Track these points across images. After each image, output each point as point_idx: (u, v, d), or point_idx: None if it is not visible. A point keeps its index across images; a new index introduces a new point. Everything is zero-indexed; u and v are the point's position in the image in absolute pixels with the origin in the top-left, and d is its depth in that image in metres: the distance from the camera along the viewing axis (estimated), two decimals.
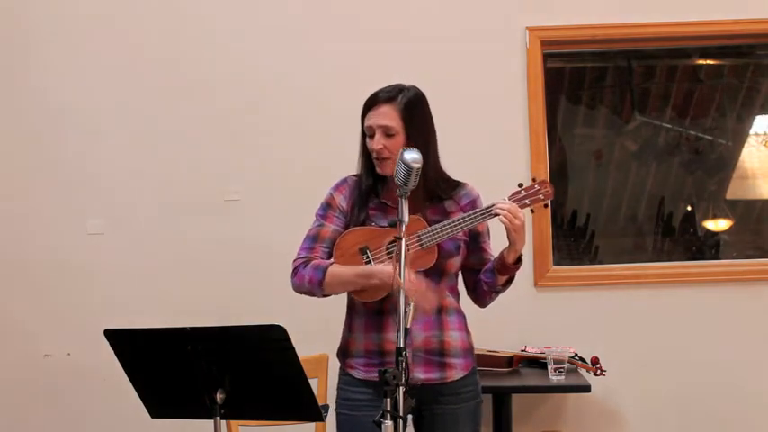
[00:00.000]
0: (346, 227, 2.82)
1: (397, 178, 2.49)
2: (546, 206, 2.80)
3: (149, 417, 2.68)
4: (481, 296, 2.90)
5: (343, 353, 2.85)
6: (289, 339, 2.40)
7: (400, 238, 2.46)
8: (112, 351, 2.59)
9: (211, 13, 4.34)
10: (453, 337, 2.82)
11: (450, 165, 4.03)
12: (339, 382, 2.85)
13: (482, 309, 2.95)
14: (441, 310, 2.79)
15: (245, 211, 4.28)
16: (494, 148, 4.24)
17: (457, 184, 2.88)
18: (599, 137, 4.72)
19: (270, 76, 4.30)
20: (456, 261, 2.83)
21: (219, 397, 2.50)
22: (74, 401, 4.28)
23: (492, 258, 2.86)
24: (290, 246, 4.10)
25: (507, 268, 2.78)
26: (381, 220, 2.79)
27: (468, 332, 2.89)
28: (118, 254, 4.30)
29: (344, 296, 2.84)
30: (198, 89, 4.31)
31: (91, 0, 4.35)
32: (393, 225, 2.53)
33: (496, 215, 2.69)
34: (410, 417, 2.74)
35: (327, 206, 2.87)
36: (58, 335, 4.29)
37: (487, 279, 2.83)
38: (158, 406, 2.65)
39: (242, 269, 4.24)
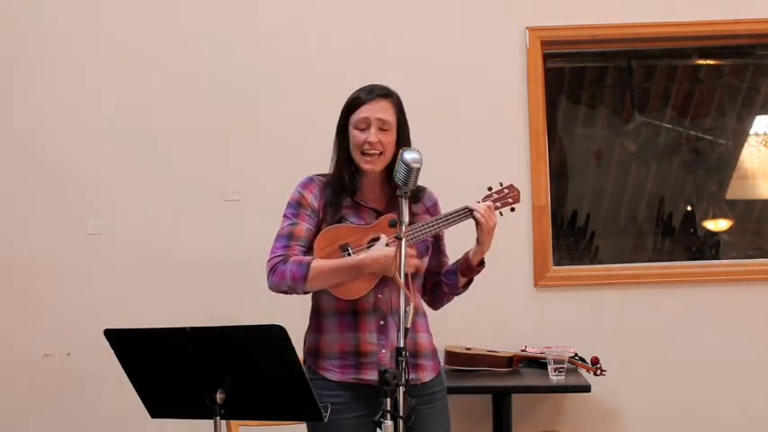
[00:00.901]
0: (318, 226, 2.81)
1: (397, 178, 2.50)
2: (512, 210, 2.84)
3: (149, 417, 2.68)
4: (439, 298, 2.94)
5: (314, 355, 2.81)
6: (289, 339, 2.40)
7: (401, 238, 2.46)
8: (112, 351, 2.59)
9: (211, 13, 4.34)
10: (423, 339, 2.84)
11: (450, 165, 4.07)
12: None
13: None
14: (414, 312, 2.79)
15: (245, 211, 4.28)
16: (494, 148, 4.24)
17: (421, 187, 2.90)
18: (599, 137, 4.72)
19: (270, 76, 4.30)
20: (425, 262, 2.86)
21: (219, 397, 2.49)
22: (74, 401, 4.28)
23: (449, 262, 2.92)
24: None
25: (471, 270, 2.82)
26: (355, 218, 2.80)
27: (431, 333, 2.91)
28: (118, 254, 4.30)
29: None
30: (198, 89, 4.31)
31: (90, 0, 4.36)
32: (393, 225, 2.53)
33: (474, 216, 2.74)
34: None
35: (298, 205, 2.84)
36: (58, 335, 4.29)
37: (449, 281, 2.87)
38: (158, 406, 2.65)
39: (242, 269, 4.23)
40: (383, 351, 2.74)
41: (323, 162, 4.21)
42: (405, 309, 2.40)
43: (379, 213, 2.82)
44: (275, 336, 2.40)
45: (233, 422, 3.48)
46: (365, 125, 2.77)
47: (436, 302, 2.97)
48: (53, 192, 4.32)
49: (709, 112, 4.67)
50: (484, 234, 2.76)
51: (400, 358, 2.35)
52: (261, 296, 4.13)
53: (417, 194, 2.87)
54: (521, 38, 4.29)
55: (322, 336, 2.80)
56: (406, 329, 2.39)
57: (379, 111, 2.77)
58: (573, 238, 4.61)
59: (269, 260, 2.78)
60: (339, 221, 2.79)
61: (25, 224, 4.32)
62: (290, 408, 2.56)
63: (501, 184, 2.87)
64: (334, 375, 2.76)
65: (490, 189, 2.86)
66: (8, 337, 4.29)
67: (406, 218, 2.50)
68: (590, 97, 4.69)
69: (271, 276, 2.76)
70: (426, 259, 2.86)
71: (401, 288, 2.41)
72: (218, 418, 2.51)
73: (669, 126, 4.67)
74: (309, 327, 2.87)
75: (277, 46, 4.31)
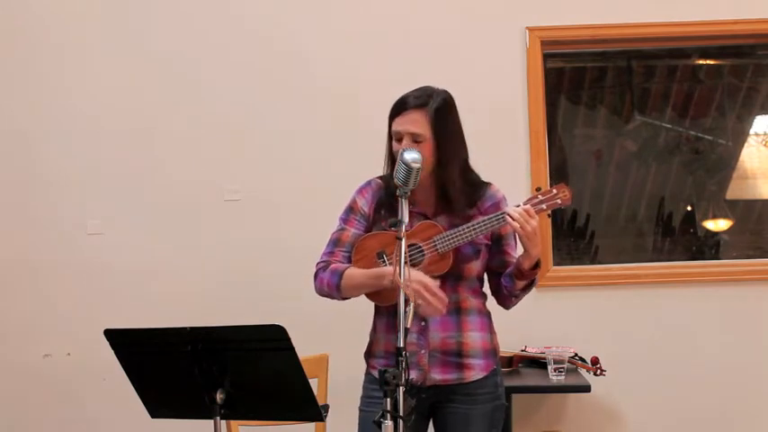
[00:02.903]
0: (368, 230, 2.84)
1: (396, 178, 2.50)
2: (563, 209, 2.80)
3: (149, 417, 2.68)
4: (503, 299, 2.92)
5: (368, 353, 2.91)
6: (289, 339, 2.40)
7: (401, 239, 2.46)
8: (112, 351, 2.59)
9: (211, 12, 4.33)
10: (473, 338, 2.82)
11: None
12: (364, 381, 2.89)
13: (506, 311, 2.96)
14: (460, 311, 2.80)
15: (245, 211, 4.28)
16: (494, 148, 4.24)
17: (481, 186, 2.87)
18: (599, 137, 4.72)
19: (270, 75, 4.30)
20: (474, 265, 2.82)
21: (219, 397, 2.49)
22: (74, 401, 4.27)
23: (513, 261, 2.86)
24: (289, 245, 4.15)
25: (524, 274, 2.77)
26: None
27: (491, 333, 2.89)
28: (118, 254, 4.29)
29: (354, 301, 2.87)
30: (198, 89, 4.31)
31: (91, 1, 4.35)
32: (393, 225, 2.53)
33: (506, 217, 2.69)
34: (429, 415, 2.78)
35: (350, 210, 2.89)
36: (58, 335, 4.29)
37: (506, 284, 2.84)
38: (158, 406, 2.65)
39: (242, 269, 4.24)
40: (422, 351, 2.76)
41: (323, 162, 4.24)
42: (404, 309, 2.40)
43: (427, 218, 2.81)
44: (275, 336, 2.40)
45: (233, 422, 3.48)
46: (399, 137, 2.77)
47: (503, 303, 2.93)
48: (53, 192, 4.32)
49: (709, 112, 4.67)
50: (522, 239, 2.70)
51: (400, 358, 2.35)
52: (261, 296, 4.16)
53: (475, 195, 2.83)
54: (521, 38, 4.29)
55: (375, 335, 2.89)
56: (406, 329, 2.39)
57: (410, 124, 2.74)
58: (573, 238, 4.61)
59: (315, 264, 2.86)
60: (383, 227, 2.80)
61: (25, 224, 4.32)
62: (290, 408, 2.56)
63: (551, 186, 2.84)
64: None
65: (538, 190, 2.81)
66: (8, 337, 4.29)
67: (406, 218, 2.49)
68: (590, 97, 4.69)
69: (314, 282, 2.86)
70: (478, 263, 2.82)
71: (401, 288, 2.41)
72: (218, 418, 2.51)
73: (669, 126, 4.66)
74: (372, 326, 2.93)
75: (277, 46, 4.31)
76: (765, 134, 4.68)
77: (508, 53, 4.28)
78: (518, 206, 2.72)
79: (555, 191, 2.79)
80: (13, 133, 4.34)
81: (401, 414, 2.31)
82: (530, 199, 2.77)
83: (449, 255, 2.73)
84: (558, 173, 4.51)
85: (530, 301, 4.20)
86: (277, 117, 4.29)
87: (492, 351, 2.87)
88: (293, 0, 4.34)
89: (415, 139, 2.73)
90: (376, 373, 2.75)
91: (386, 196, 2.84)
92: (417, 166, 2.48)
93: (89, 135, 4.33)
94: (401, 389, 2.32)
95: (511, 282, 2.81)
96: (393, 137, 2.79)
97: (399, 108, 2.78)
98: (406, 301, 2.42)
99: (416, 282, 2.58)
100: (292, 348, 2.42)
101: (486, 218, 2.73)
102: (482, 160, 4.15)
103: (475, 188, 2.85)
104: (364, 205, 2.87)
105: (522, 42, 4.29)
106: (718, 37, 4.36)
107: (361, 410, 2.86)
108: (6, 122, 4.34)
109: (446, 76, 4.25)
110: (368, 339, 2.94)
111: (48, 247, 4.31)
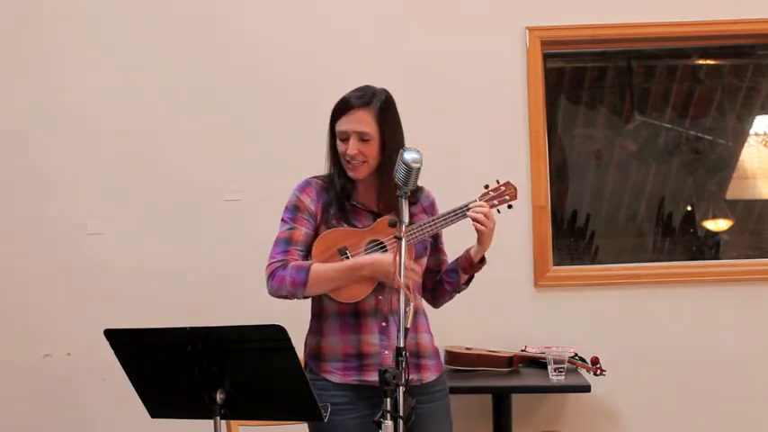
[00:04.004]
0: (316, 229, 2.81)
1: (397, 178, 2.49)
2: (510, 207, 2.84)
3: (149, 417, 2.68)
4: (440, 296, 2.95)
5: (315, 357, 2.81)
6: (289, 339, 2.40)
7: (400, 238, 2.46)
8: (112, 351, 2.59)
9: (211, 13, 4.34)
10: (425, 339, 2.85)
11: (450, 165, 4.07)
12: (318, 388, 2.72)
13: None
14: (415, 313, 2.79)
15: (245, 211, 4.28)
16: (494, 148, 4.24)
17: (419, 187, 2.89)
18: (599, 137, 4.72)
19: (270, 75, 4.30)
20: (424, 262, 2.86)
21: (219, 397, 2.49)
22: (74, 401, 4.28)
23: (447, 260, 2.94)
24: None
25: (473, 267, 2.83)
26: (352, 221, 2.80)
27: (432, 334, 2.91)
28: (118, 254, 4.30)
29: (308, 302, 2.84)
30: (198, 89, 4.31)
31: (90, 1, 4.36)
32: (393, 225, 2.53)
33: (471, 217, 2.74)
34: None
35: (296, 209, 2.83)
36: (58, 335, 4.29)
37: (450, 279, 2.88)
38: (158, 406, 2.65)
39: (242, 269, 4.23)
40: (386, 352, 2.74)
41: (323, 162, 4.23)
42: (405, 309, 2.40)
43: (376, 215, 2.82)
44: (275, 336, 2.40)
45: (233, 422, 3.48)
46: (345, 137, 2.78)
47: (437, 301, 2.98)
48: (53, 192, 4.32)
49: (709, 112, 4.67)
50: (483, 233, 2.76)
51: (400, 358, 2.35)
52: (261, 296, 4.15)
53: (415, 194, 2.87)
54: (521, 38, 4.29)
55: (324, 338, 2.80)
56: (406, 330, 2.39)
57: (356, 123, 2.76)
58: (573, 238, 4.61)
59: (268, 265, 2.77)
60: (337, 225, 2.79)
61: (25, 224, 4.32)
62: (290, 408, 2.55)
63: (498, 182, 2.86)
64: (336, 377, 2.76)
65: (487, 187, 2.85)
66: (8, 337, 4.29)
67: (407, 218, 2.50)
68: (590, 97, 4.69)
69: (270, 281, 2.75)
70: (425, 259, 2.86)
71: (401, 289, 2.41)
72: (218, 418, 2.51)
73: (669, 126, 4.66)
74: (310, 329, 2.87)
75: (277, 45, 4.31)
76: (765, 134, 4.68)
77: (508, 53, 4.29)
78: (474, 201, 2.78)
79: (503, 188, 2.85)
80: (13, 133, 4.34)
81: (401, 414, 2.31)
82: (483, 195, 2.83)
83: (411, 249, 2.73)
84: (558, 173, 4.51)
85: (530, 301, 4.26)
86: (278, 117, 4.29)
87: (437, 351, 2.91)
88: (295, 1, 4.34)
89: (362, 138, 2.74)
90: (333, 378, 2.74)
91: (329, 198, 2.82)
92: (418, 165, 2.48)
93: (89, 135, 4.33)
94: (401, 389, 2.32)
95: (456, 276, 2.86)
96: (338, 136, 2.80)
97: (343, 108, 2.79)
98: (406, 302, 2.41)
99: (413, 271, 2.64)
100: (292, 348, 2.42)
101: (448, 212, 2.76)
102: (482, 160, 4.19)
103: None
104: (311, 204, 2.83)
105: (522, 42, 4.29)
106: (718, 37, 4.36)
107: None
108: (6, 122, 4.34)
109: (446, 76, 4.29)
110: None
111: (48, 247, 4.31)
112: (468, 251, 2.83)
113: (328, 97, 4.26)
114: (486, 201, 2.80)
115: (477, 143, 4.25)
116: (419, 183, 2.81)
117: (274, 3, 4.34)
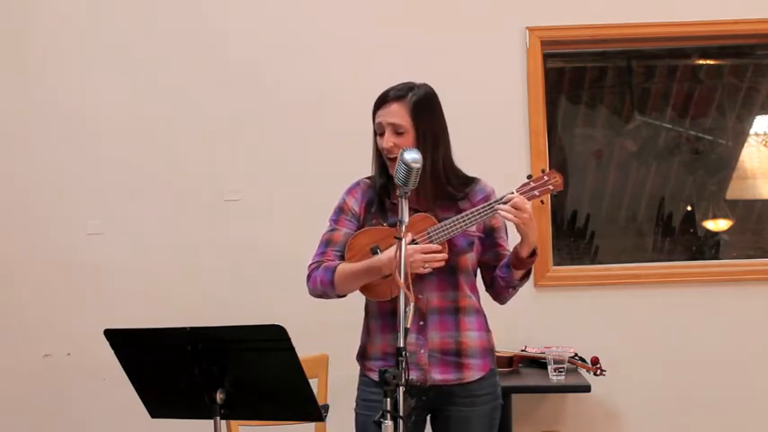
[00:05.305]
0: (360, 229, 2.83)
1: (397, 178, 2.49)
2: (555, 196, 2.78)
3: (149, 417, 2.68)
4: (499, 292, 2.89)
5: (362, 356, 2.87)
6: (289, 339, 2.40)
7: (400, 239, 2.46)
8: (112, 351, 2.59)
9: (212, 13, 4.34)
10: (471, 338, 2.81)
11: None
12: (359, 383, 2.87)
13: (501, 306, 2.95)
14: (458, 310, 2.79)
15: (245, 211, 4.28)
16: (494, 148, 4.24)
17: (470, 181, 2.88)
18: (599, 137, 4.72)
19: (270, 75, 4.30)
20: (470, 257, 2.82)
21: (219, 397, 2.50)
22: (74, 401, 4.27)
23: (507, 253, 2.85)
24: (290, 245, 4.14)
25: (522, 262, 2.76)
26: (393, 219, 2.76)
27: (488, 332, 2.88)
28: (118, 254, 4.30)
29: (353, 299, 2.85)
30: (198, 89, 4.31)
31: (90, 1, 4.36)
32: (393, 225, 2.53)
33: (497, 209, 2.68)
34: (428, 416, 2.77)
35: (340, 210, 2.88)
36: (58, 335, 4.29)
37: (503, 275, 2.82)
38: (158, 406, 2.65)
39: (242, 269, 4.24)
40: (421, 351, 2.75)
41: (323, 162, 4.24)
42: (405, 309, 2.40)
43: (416, 212, 2.77)
44: (275, 336, 2.40)
45: (233, 422, 3.48)
46: (381, 130, 2.78)
47: (498, 297, 2.91)
48: (53, 192, 4.32)
49: (709, 112, 4.67)
50: (519, 227, 2.69)
51: (400, 358, 2.34)
52: (261, 296, 4.16)
53: (465, 189, 2.84)
54: (521, 38, 4.29)
55: (369, 338, 2.85)
56: (406, 329, 2.39)
57: (390, 115, 2.76)
58: (573, 238, 4.61)
59: (308, 267, 2.84)
60: (376, 223, 2.80)
61: (25, 224, 4.32)
62: (290, 408, 2.56)
63: (543, 171, 2.80)
64: (376, 375, 2.76)
65: (529, 177, 2.79)
66: (8, 337, 4.29)
67: (406, 218, 2.49)
68: (590, 97, 4.69)
69: (307, 283, 2.83)
70: (472, 255, 2.82)
71: (401, 288, 2.41)
72: (218, 418, 2.51)
73: (669, 126, 4.66)
74: (363, 327, 2.90)
75: (277, 45, 4.31)
76: (765, 134, 4.68)
77: (508, 53, 4.29)
78: (512, 193, 2.72)
79: (546, 177, 2.78)
80: (13, 133, 4.34)
81: (401, 414, 2.31)
82: (522, 186, 2.76)
83: (444, 246, 2.72)
84: (558, 172, 4.50)
85: (530, 301, 4.25)
86: (278, 117, 4.29)
87: (489, 350, 2.86)
88: (295, 1, 4.34)
89: (396, 131, 2.74)
90: (374, 376, 2.76)
91: (375, 195, 2.84)
92: (417, 165, 2.47)
93: (89, 135, 4.33)
94: (401, 389, 2.32)
95: (508, 272, 2.80)
96: (376, 131, 2.80)
97: (380, 101, 2.80)
98: (407, 301, 2.41)
99: (413, 257, 2.59)
100: (292, 348, 2.42)
101: (476, 209, 2.72)
102: (482, 160, 4.17)
103: (462, 180, 2.85)
104: (354, 205, 2.86)
105: (522, 42, 4.29)
106: (718, 37, 4.36)
107: (358, 413, 2.84)
108: (6, 122, 4.34)
109: (446, 76, 4.26)
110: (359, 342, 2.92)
111: (48, 247, 4.31)
112: (515, 247, 2.77)
113: (328, 97, 4.30)
114: (524, 192, 2.73)
115: (477, 143, 4.23)
116: (474, 174, 2.86)
117: (274, 3, 4.34)
